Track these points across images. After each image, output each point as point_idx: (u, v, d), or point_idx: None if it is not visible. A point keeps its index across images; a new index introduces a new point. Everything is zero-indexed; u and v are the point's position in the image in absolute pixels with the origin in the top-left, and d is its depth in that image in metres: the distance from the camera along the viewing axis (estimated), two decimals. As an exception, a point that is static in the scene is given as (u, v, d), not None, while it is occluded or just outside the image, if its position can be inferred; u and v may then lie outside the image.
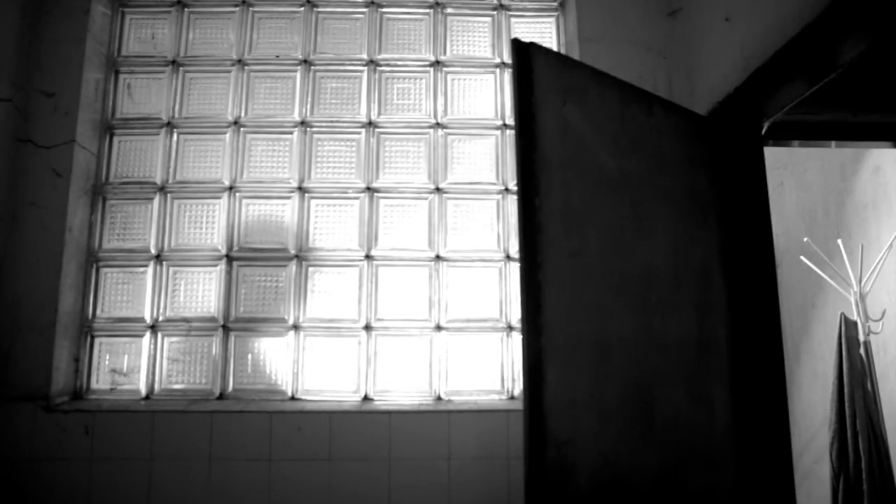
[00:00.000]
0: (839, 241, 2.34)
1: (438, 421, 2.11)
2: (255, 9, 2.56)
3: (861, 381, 2.02)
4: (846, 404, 2.02)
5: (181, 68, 2.51)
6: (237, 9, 2.55)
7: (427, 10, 2.60)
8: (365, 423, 2.10)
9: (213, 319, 2.31)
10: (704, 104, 2.00)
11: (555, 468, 1.25)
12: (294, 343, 2.30)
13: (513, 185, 2.41)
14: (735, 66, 1.81)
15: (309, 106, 2.49)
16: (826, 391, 2.17)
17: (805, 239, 2.49)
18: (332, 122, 2.49)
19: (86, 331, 2.28)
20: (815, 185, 2.87)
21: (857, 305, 2.22)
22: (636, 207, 1.56)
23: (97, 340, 2.29)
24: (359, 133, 2.48)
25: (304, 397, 2.26)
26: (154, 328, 2.30)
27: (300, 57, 2.52)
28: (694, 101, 2.09)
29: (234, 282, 2.34)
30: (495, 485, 2.05)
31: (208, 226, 2.39)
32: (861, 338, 2.14)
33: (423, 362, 2.30)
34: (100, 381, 2.27)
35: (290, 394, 2.26)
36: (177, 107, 2.47)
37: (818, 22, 1.37)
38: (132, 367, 2.27)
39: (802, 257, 2.42)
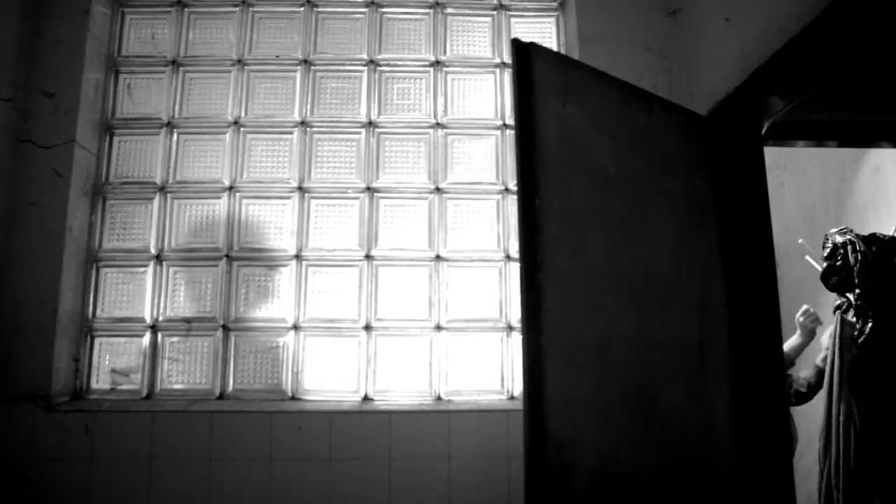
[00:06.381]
0: (839, 241, 2.33)
1: (438, 421, 2.11)
2: (255, 9, 2.56)
3: (851, 381, 2.03)
4: (833, 403, 2.03)
5: (181, 68, 2.51)
6: (237, 9, 2.55)
7: (427, 10, 2.59)
8: (365, 423, 2.10)
9: (213, 319, 2.31)
10: (704, 104, 2.00)
11: (555, 468, 1.24)
12: (294, 343, 2.30)
13: (513, 185, 2.41)
14: (735, 66, 1.81)
15: (309, 106, 2.49)
16: (825, 391, 2.18)
17: (800, 240, 2.48)
18: (332, 122, 2.49)
19: (86, 331, 2.28)
20: (815, 185, 2.87)
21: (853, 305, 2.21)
22: (636, 207, 1.56)
23: (97, 340, 2.29)
24: (359, 133, 2.48)
25: (304, 397, 2.26)
26: (154, 328, 2.30)
27: (300, 57, 2.52)
28: (694, 101, 2.09)
29: (234, 282, 2.34)
30: (495, 485, 2.05)
31: (208, 226, 2.39)
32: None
33: (422, 362, 2.30)
34: (100, 381, 2.27)
35: (290, 394, 2.26)
36: (177, 107, 2.47)
37: (818, 22, 1.37)
38: (132, 367, 2.27)
39: (807, 257, 2.42)
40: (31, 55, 2.29)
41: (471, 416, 2.12)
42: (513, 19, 2.61)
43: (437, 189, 2.43)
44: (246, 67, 2.51)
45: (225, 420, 2.09)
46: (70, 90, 2.28)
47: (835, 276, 2.14)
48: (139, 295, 2.32)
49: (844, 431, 1.98)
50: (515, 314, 2.32)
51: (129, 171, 2.43)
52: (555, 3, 2.61)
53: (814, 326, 2.14)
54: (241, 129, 2.46)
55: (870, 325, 2.00)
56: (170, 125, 2.45)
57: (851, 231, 2.17)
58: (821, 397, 2.11)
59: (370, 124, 2.48)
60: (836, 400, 2.02)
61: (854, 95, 2.00)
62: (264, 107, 2.49)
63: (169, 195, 2.40)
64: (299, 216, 2.39)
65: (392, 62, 2.55)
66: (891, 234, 2.19)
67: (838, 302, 2.16)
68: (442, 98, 2.52)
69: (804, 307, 2.16)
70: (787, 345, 2.10)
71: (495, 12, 2.61)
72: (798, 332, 2.16)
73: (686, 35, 2.24)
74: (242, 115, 2.47)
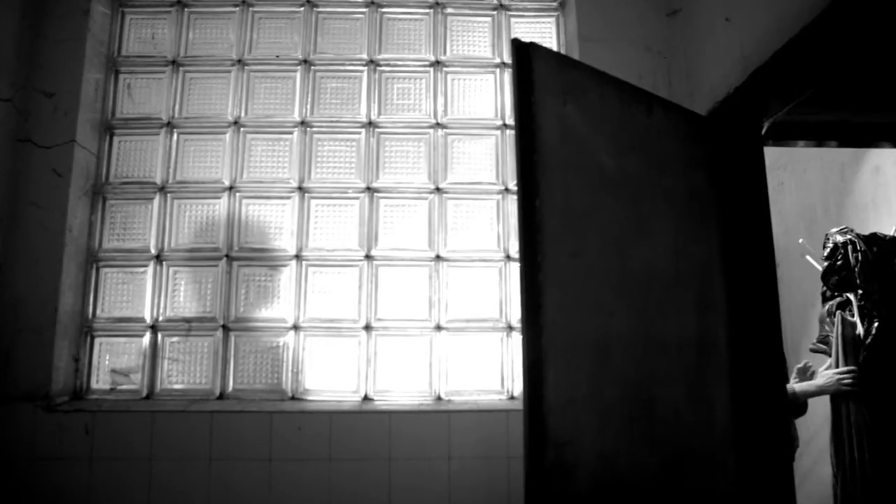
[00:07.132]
0: (840, 241, 2.33)
1: (438, 421, 2.11)
2: (255, 9, 2.56)
3: (862, 383, 2.02)
4: (842, 405, 2.03)
5: (181, 68, 2.51)
6: (237, 9, 2.55)
7: (427, 10, 2.59)
8: (365, 423, 2.10)
9: (213, 319, 2.30)
10: (704, 104, 2.00)
11: (554, 468, 1.25)
12: (294, 343, 2.30)
13: (513, 185, 2.41)
14: (735, 66, 1.81)
15: (309, 106, 2.49)
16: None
17: (800, 240, 2.48)
18: (332, 122, 2.49)
19: (86, 331, 2.28)
20: (814, 185, 2.87)
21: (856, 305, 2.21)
22: (636, 207, 1.56)
23: (97, 340, 2.29)
24: (359, 133, 2.48)
25: (304, 397, 2.26)
26: (154, 328, 2.30)
27: (300, 57, 2.52)
28: (694, 101, 2.09)
29: (234, 282, 2.34)
30: (495, 484, 2.05)
31: (208, 226, 2.39)
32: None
33: (422, 362, 2.30)
34: (100, 381, 2.27)
35: (290, 394, 2.26)
36: (177, 107, 2.47)
37: (818, 22, 1.37)
38: (132, 367, 2.27)
39: (807, 257, 2.42)
40: (31, 55, 2.29)
41: (471, 416, 2.12)
42: (513, 19, 2.61)
43: (437, 189, 2.43)
44: (246, 67, 2.51)
45: (225, 420, 2.09)
46: (70, 90, 2.28)
47: (835, 276, 2.14)
48: (139, 295, 2.32)
49: (857, 434, 1.96)
50: (515, 314, 2.32)
51: (129, 171, 2.43)
52: (555, 3, 2.61)
53: (849, 389, 1.95)
54: (241, 129, 2.46)
55: (876, 324, 2.00)
56: (170, 125, 2.45)
57: (852, 231, 2.17)
58: (824, 399, 2.11)
59: (370, 124, 2.48)
60: (845, 401, 2.01)
61: (854, 95, 2.00)
62: (264, 107, 2.49)
63: (169, 195, 2.40)
64: (299, 216, 2.39)
65: (392, 62, 2.55)
66: (891, 234, 2.19)
67: (830, 303, 2.15)
68: (442, 98, 2.52)
69: (853, 369, 1.97)
70: (801, 387, 1.96)
71: (495, 12, 2.61)
72: (822, 381, 1.97)
73: (686, 35, 2.24)
74: (242, 115, 2.47)
